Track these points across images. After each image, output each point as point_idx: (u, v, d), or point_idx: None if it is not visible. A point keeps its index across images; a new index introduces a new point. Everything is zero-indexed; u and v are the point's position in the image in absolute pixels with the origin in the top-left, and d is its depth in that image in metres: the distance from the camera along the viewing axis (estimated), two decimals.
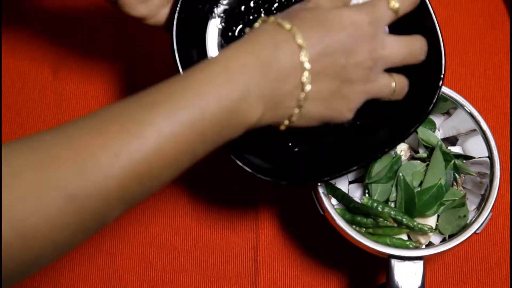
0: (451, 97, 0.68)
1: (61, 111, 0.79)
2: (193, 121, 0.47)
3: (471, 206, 0.67)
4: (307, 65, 0.50)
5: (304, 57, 0.50)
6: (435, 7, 0.82)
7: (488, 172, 0.66)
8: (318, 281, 0.73)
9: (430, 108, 0.61)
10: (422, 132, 0.69)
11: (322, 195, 0.63)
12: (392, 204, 0.67)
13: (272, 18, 0.52)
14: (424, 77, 0.61)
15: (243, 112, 0.49)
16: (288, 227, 0.74)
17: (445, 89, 0.68)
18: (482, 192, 0.66)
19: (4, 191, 0.41)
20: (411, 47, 0.56)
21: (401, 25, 0.58)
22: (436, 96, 0.61)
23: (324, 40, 0.51)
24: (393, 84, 0.57)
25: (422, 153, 0.69)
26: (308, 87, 0.51)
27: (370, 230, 0.66)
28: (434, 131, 0.70)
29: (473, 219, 0.64)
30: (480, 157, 0.67)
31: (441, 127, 0.71)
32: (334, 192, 0.67)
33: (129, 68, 0.80)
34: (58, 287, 0.72)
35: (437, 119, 0.71)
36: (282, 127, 0.54)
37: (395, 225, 0.65)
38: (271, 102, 0.50)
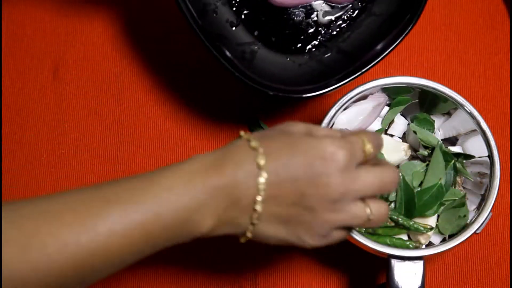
0: (451, 97, 0.68)
1: (61, 111, 0.79)
2: (145, 224, 0.48)
3: (471, 206, 0.67)
4: (261, 187, 0.50)
5: (262, 179, 0.50)
6: (435, 7, 0.82)
7: (488, 172, 0.66)
8: (318, 281, 0.73)
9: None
10: (421, 132, 0.69)
11: None
12: (392, 204, 0.67)
13: (246, 136, 0.52)
14: None
15: (195, 222, 0.50)
16: None
17: (445, 89, 0.68)
18: (482, 192, 0.66)
19: None
20: (383, 180, 0.53)
21: None
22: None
23: (288, 165, 0.51)
24: (368, 212, 0.53)
25: (422, 151, 0.69)
26: (259, 208, 0.51)
27: (370, 230, 0.66)
28: (433, 131, 0.70)
29: (473, 219, 0.64)
30: (480, 157, 0.67)
31: (441, 127, 0.71)
32: None
33: (129, 68, 0.80)
34: None
35: (438, 120, 0.71)
36: (242, 240, 0.54)
37: (393, 224, 0.65)
38: (224, 217, 0.51)
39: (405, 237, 0.67)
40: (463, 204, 0.65)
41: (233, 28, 0.71)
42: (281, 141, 0.52)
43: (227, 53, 0.67)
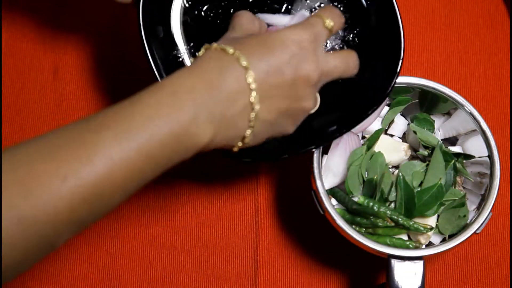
0: (451, 97, 0.68)
1: (61, 111, 0.79)
2: (142, 145, 0.47)
3: (471, 206, 0.67)
4: (253, 86, 0.51)
5: (250, 78, 0.51)
6: (436, 8, 0.82)
7: (488, 172, 0.66)
8: (318, 281, 0.73)
9: (389, 89, 0.64)
10: (421, 132, 0.69)
11: (322, 195, 0.63)
12: (392, 204, 0.67)
13: (215, 45, 0.53)
14: (385, 62, 0.65)
15: (192, 135, 0.49)
16: (288, 227, 0.74)
17: (445, 89, 0.68)
18: (482, 192, 0.66)
19: None
20: (348, 62, 0.58)
21: (362, 13, 0.63)
22: (395, 77, 0.64)
23: (269, 60, 0.52)
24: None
25: (422, 151, 0.69)
26: (257, 107, 0.52)
27: (370, 230, 0.66)
28: (433, 132, 0.70)
29: (473, 219, 0.64)
30: (480, 157, 0.67)
31: (441, 128, 0.71)
32: (334, 192, 0.67)
33: (129, 68, 0.80)
34: (58, 287, 0.72)
35: (438, 120, 0.71)
36: (235, 149, 0.54)
37: (393, 224, 0.65)
38: (222, 124, 0.51)
39: (405, 237, 0.67)
40: (463, 204, 0.65)
41: None
42: (250, 42, 0.53)
43: None
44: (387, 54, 0.65)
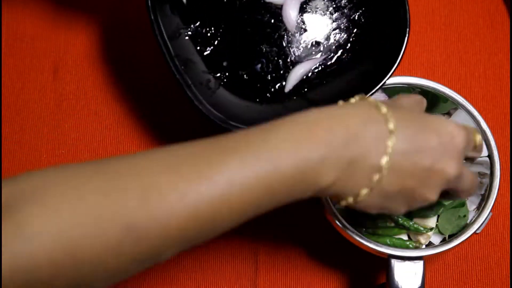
0: (451, 97, 0.68)
1: (61, 111, 0.79)
2: (265, 175, 0.46)
3: (471, 206, 0.67)
4: (389, 150, 0.49)
5: (390, 142, 0.49)
6: (436, 8, 0.82)
7: (488, 172, 0.66)
8: (318, 281, 0.73)
9: (399, 59, 0.66)
10: None
11: None
12: None
13: (371, 99, 0.52)
14: (391, 38, 0.68)
15: (316, 175, 0.47)
16: (288, 227, 0.74)
17: (445, 89, 0.68)
18: (482, 192, 0.67)
19: (66, 211, 0.41)
20: (475, 184, 0.57)
21: None
22: (402, 49, 0.67)
23: (416, 135, 0.50)
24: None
25: None
26: (385, 172, 0.49)
27: (370, 230, 0.66)
28: None
29: (473, 219, 0.64)
30: (480, 157, 0.67)
31: None
32: None
33: (129, 69, 0.80)
34: None
35: None
36: (344, 203, 0.51)
37: (393, 224, 0.65)
38: (346, 172, 0.49)
39: (405, 237, 0.67)
40: (463, 204, 0.65)
41: (203, 54, 0.71)
42: (406, 113, 0.52)
43: (188, 79, 0.67)
44: (393, 29, 0.66)
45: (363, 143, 0.49)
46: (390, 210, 0.53)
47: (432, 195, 0.53)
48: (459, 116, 0.68)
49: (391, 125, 0.49)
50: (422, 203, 0.53)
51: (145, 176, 0.44)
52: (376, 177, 0.49)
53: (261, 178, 0.46)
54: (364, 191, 0.50)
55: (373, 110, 0.50)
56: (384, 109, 0.50)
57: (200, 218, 0.44)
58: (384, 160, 0.49)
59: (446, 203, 0.66)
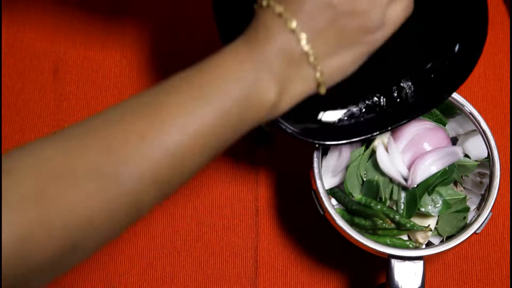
0: (451, 97, 0.67)
1: (61, 111, 0.79)
2: (219, 103, 0.48)
3: (471, 206, 0.67)
4: (298, 29, 0.50)
5: (293, 24, 0.50)
6: None
7: (488, 172, 0.66)
8: (318, 281, 0.73)
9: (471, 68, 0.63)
10: None
11: (322, 195, 0.63)
12: (394, 206, 0.67)
13: (265, 1, 0.52)
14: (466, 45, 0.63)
15: (259, 92, 0.49)
16: (288, 227, 0.74)
17: None
18: (482, 192, 0.66)
19: (37, 176, 0.42)
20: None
21: None
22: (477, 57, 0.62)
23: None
24: None
25: None
26: (307, 48, 0.50)
27: (370, 231, 0.66)
28: None
29: (473, 219, 0.64)
30: (480, 157, 0.67)
31: None
32: (334, 192, 0.67)
33: (130, 68, 0.80)
34: (58, 287, 0.72)
35: None
36: (322, 90, 0.52)
37: (393, 225, 0.65)
38: (284, 77, 0.50)
39: (405, 237, 0.67)
40: (467, 209, 0.65)
41: None
42: None
43: None
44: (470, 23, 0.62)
45: (276, 46, 0.50)
46: (354, 59, 0.53)
47: (368, 17, 0.51)
48: (459, 117, 0.68)
49: (293, 24, 0.50)
50: (368, 31, 0.52)
51: (101, 128, 0.45)
52: (310, 58, 0.50)
53: (218, 108, 0.48)
54: (317, 74, 0.51)
55: (269, 16, 0.51)
56: (278, 8, 0.50)
57: (169, 156, 0.46)
58: (303, 40, 0.50)
59: (449, 199, 0.66)
